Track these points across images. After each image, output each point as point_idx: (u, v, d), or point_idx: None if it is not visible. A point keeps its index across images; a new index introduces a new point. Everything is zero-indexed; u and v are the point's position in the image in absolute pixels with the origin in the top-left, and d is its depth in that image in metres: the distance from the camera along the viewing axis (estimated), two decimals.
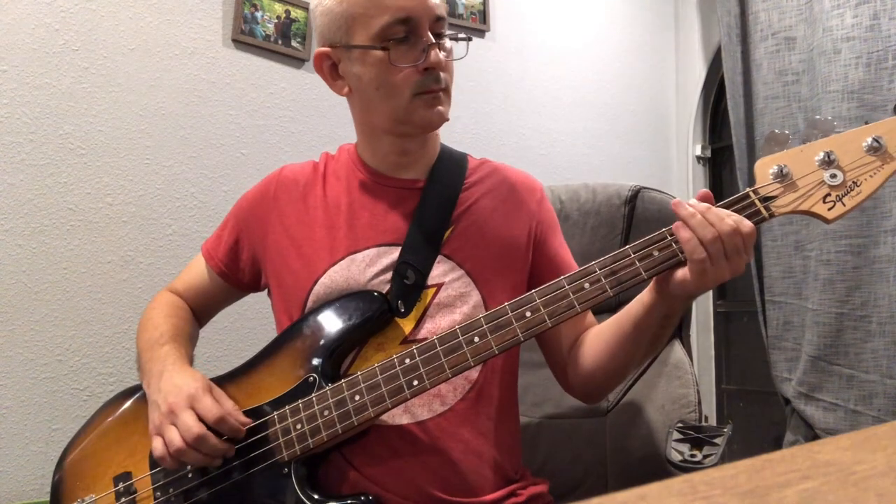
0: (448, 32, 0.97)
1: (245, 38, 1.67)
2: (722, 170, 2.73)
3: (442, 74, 0.94)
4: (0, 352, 1.36)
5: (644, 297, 0.89)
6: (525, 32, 2.26)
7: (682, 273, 0.81)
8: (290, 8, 1.74)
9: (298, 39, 1.75)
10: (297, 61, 1.76)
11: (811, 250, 1.95)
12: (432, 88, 0.94)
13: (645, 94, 2.62)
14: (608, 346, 0.95)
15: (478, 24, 2.13)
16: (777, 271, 2.07)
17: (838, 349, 1.88)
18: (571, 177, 2.25)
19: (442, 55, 0.95)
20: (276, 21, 1.72)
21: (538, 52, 2.30)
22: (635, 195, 1.37)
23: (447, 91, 0.97)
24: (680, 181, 2.69)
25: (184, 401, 0.87)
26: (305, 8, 1.76)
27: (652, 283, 0.86)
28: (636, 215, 1.36)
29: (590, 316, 1.05)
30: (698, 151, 2.68)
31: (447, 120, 0.98)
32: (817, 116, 0.83)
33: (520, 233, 1.03)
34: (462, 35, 0.98)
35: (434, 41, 0.93)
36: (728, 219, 0.78)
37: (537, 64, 2.29)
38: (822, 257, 1.89)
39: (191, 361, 1.01)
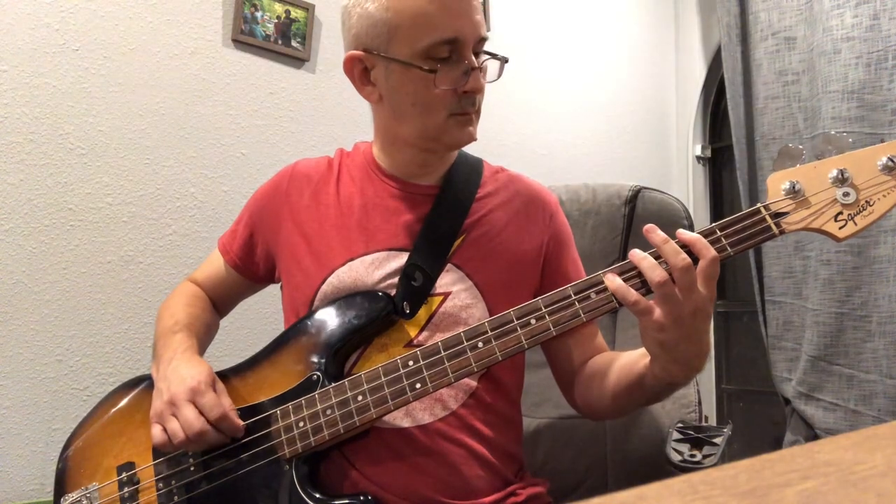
0: (485, 51, 0.95)
1: (245, 38, 1.67)
2: (722, 170, 2.73)
3: (477, 97, 0.94)
4: (0, 352, 1.36)
5: (642, 368, 0.86)
6: (525, 32, 2.26)
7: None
8: (290, 8, 1.74)
9: (298, 39, 1.75)
10: (297, 61, 1.76)
11: (811, 250, 1.95)
12: (467, 111, 0.93)
13: (645, 94, 2.62)
14: (618, 391, 0.92)
15: None
16: (777, 271, 2.07)
17: (838, 349, 1.88)
18: (571, 177, 2.25)
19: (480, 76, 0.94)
20: (276, 21, 1.72)
21: (538, 52, 2.30)
22: (635, 195, 1.37)
23: (478, 111, 0.96)
24: (680, 181, 2.69)
25: (186, 393, 0.88)
26: (306, 8, 1.76)
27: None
28: (636, 215, 1.36)
29: (600, 339, 1.04)
30: (698, 151, 2.68)
31: (475, 140, 0.97)
32: (832, 132, 0.82)
33: (530, 248, 1.03)
34: (500, 55, 0.96)
35: (477, 65, 0.92)
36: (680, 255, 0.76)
37: (537, 64, 2.29)
38: (822, 257, 1.89)
39: (203, 349, 1.03)
